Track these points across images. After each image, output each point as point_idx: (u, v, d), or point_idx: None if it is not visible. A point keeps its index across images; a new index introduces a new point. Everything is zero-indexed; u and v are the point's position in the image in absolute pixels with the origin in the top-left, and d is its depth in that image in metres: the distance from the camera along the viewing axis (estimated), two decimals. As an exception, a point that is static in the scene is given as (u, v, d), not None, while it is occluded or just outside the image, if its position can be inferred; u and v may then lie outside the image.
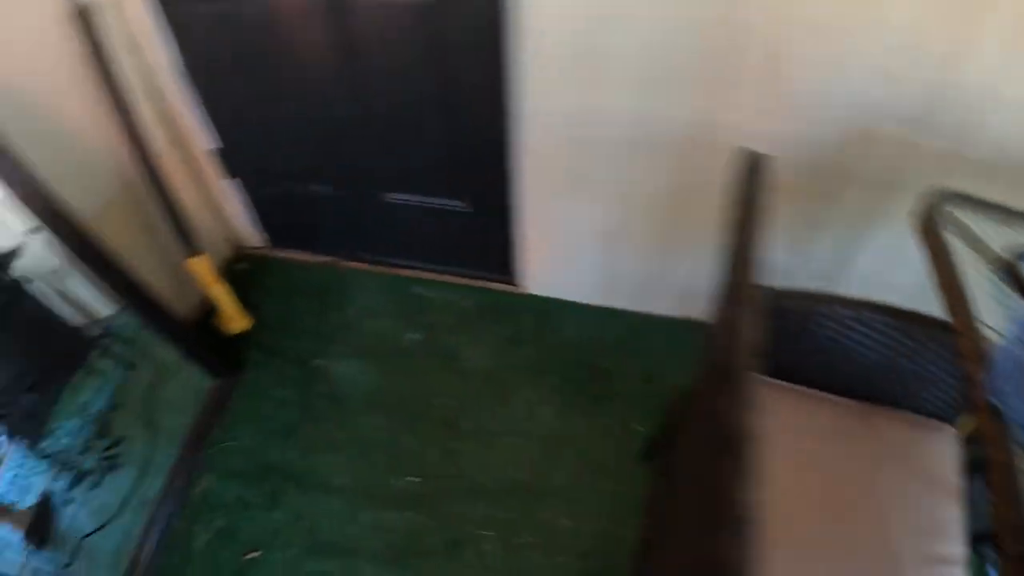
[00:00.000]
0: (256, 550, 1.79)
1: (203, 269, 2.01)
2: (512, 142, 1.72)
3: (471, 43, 1.53)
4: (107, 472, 1.86)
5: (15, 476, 1.61)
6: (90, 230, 1.58)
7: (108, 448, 1.85)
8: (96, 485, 1.84)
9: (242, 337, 2.18)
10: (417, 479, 1.84)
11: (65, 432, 1.74)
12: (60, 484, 1.69)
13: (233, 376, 2.12)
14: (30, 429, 1.65)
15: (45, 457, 1.67)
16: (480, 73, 1.58)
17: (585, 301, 2.12)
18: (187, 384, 2.03)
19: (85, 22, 1.58)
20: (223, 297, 2.07)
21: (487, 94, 1.62)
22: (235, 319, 2.13)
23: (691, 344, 1.89)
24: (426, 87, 1.68)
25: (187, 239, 1.95)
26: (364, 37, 1.61)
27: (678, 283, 1.92)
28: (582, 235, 1.89)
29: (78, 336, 1.75)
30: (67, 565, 1.64)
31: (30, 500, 1.64)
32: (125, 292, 1.71)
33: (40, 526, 1.61)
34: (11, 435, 1.63)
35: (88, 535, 1.79)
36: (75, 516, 1.71)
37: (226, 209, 2.28)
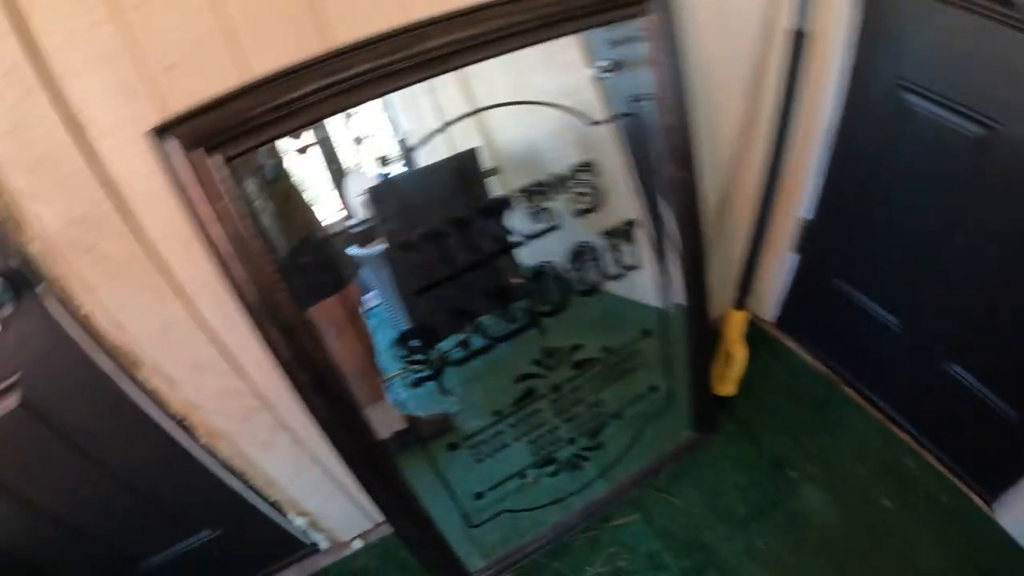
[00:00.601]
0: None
1: (739, 324, 1.88)
2: None
3: None
4: (570, 469, 1.80)
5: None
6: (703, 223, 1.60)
7: (586, 449, 1.79)
8: (553, 475, 1.79)
9: (722, 401, 2.01)
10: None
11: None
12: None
13: (703, 435, 1.96)
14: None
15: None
16: None
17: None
18: (667, 423, 1.91)
19: (796, 47, 1.54)
20: (739, 358, 1.91)
21: None
22: (730, 383, 1.96)
23: None
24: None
25: (745, 288, 1.84)
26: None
27: None
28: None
29: (506, 284, 1.63)
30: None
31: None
32: (693, 289, 1.68)
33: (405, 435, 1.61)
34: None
35: (511, 511, 1.76)
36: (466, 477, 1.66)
37: (764, 274, 2.14)
